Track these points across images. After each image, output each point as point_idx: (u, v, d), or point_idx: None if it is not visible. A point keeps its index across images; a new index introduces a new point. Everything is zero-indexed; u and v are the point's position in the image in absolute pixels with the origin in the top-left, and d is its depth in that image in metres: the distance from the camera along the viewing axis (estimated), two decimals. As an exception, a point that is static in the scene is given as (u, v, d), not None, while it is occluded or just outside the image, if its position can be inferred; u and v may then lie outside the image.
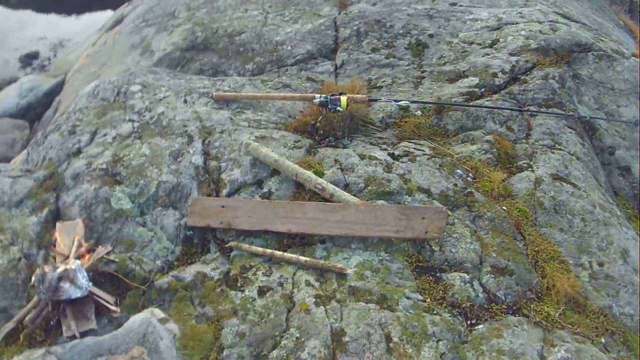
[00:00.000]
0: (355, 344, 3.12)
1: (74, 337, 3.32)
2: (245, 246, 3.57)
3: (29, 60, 12.82)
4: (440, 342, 3.15)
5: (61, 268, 3.31)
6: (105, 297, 3.42)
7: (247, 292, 3.38)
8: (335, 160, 4.06)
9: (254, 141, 4.10)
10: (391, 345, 3.13)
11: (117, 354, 3.19)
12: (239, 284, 3.44)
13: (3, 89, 10.29)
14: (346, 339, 3.14)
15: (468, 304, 3.36)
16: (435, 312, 3.29)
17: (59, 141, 4.73)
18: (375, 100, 4.66)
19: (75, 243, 3.64)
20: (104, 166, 4.17)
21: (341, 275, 3.46)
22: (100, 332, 3.35)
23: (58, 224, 3.91)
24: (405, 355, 3.09)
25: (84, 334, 3.33)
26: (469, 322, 3.31)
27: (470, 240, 3.63)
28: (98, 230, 3.84)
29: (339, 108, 4.33)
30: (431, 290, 3.43)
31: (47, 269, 3.35)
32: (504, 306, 3.38)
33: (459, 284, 3.43)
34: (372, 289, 3.38)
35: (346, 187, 3.86)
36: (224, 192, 3.93)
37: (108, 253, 3.62)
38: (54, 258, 3.73)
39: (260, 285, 3.41)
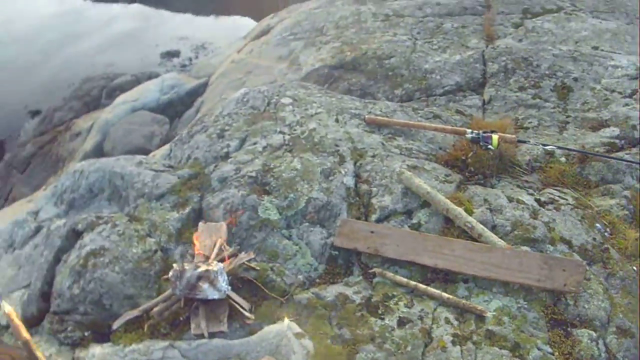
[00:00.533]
0: None
1: (201, 336, 3.35)
2: (390, 274, 3.53)
3: (169, 57, 13.40)
4: None
5: (202, 268, 3.35)
6: (241, 303, 3.43)
7: (387, 321, 3.33)
8: (485, 200, 3.97)
9: (406, 170, 4.05)
10: None
11: (245, 360, 3.22)
12: (379, 312, 3.39)
13: (142, 82, 10.59)
14: None
15: (590, 363, 3.23)
16: None
17: (207, 143, 4.82)
18: (524, 142, 4.55)
19: (217, 245, 3.67)
20: (253, 174, 4.21)
21: (480, 317, 3.37)
22: (229, 336, 3.36)
23: (201, 224, 3.95)
24: None
25: (212, 335, 3.36)
26: (588, 381, 3.17)
27: (602, 298, 3.51)
28: (241, 236, 3.87)
29: (490, 146, 4.26)
30: (561, 344, 3.31)
31: (187, 266, 3.41)
32: (619, 368, 3.24)
33: (586, 341, 3.32)
34: (507, 335, 3.29)
35: (493, 228, 3.77)
36: (373, 217, 3.89)
37: (249, 260, 3.63)
38: (192, 256, 3.77)
39: (400, 315, 3.35)
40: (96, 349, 3.54)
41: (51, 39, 15.78)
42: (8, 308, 2.92)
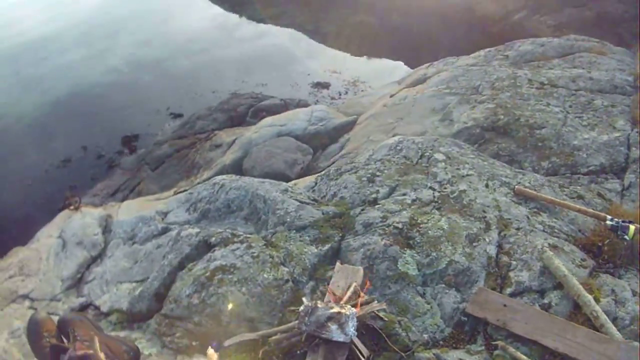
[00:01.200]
0: None
1: None
2: (512, 350, 3.60)
3: (319, 88, 13.67)
4: None
5: (335, 309, 3.47)
6: (362, 349, 3.50)
7: (502, 397, 3.42)
8: (612, 290, 4.00)
9: (548, 249, 4.13)
10: None
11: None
12: (500, 392, 3.48)
13: (290, 108, 11.03)
14: None
15: None
16: None
17: (356, 184, 4.98)
18: (662, 235, 4.55)
19: (351, 289, 3.77)
20: (399, 225, 4.31)
21: None
22: None
23: (338, 264, 4.07)
24: None
25: None
26: None
27: None
28: (376, 284, 3.97)
29: (626, 236, 4.30)
30: None
31: (320, 304, 3.53)
32: None
33: None
34: None
35: (614, 320, 3.80)
36: (508, 290, 3.94)
37: (380, 310, 3.71)
38: (322, 294, 3.90)
39: (516, 392, 3.43)
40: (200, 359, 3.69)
41: (203, 48, 16.41)
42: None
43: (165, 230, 5.05)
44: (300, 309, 3.47)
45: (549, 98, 6.93)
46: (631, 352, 3.56)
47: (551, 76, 7.47)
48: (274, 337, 3.58)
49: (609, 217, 4.50)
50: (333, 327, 3.41)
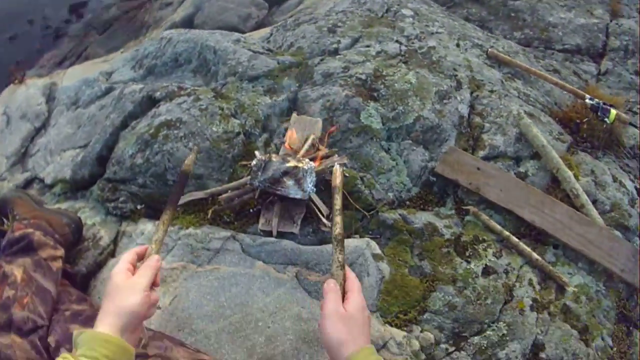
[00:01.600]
0: None
1: (269, 234, 3.13)
2: (485, 217, 3.27)
3: None
4: None
5: (292, 163, 3.08)
6: (321, 207, 3.16)
7: (472, 265, 3.09)
8: (592, 171, 3.72)
9: (526, 116, 3.77)
10: None
11: (312, 271, 2.99)
12: (467, 254, 3.15)
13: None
14: (543, 355, 2.89)
15: (640, 366, 3.09)
16: None
17: (315, 34, 4.52)
18: (635, 126, 4.34)
19: (309, 142, 3.40)
20: (363, 77, 3.88)
21: (561, 289, 3.18)
22: (299, 240, 3.15)
23: (294, 115, 3.69)
24: None
25: (280, 235, 3.13)
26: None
27: None
28: (336, 137, 3.59)
29: (606, 119, 4.04)
30: (620, 340, 3.18)
31: (275, 158, 3.12)
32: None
33: None
34: (580, 315, 3.11)
35: (594, 202, 3.53)
36: (481, 153, 3.59)
37: (344, 165, 3.34)
38: (277, 147, 3.57)
39: (487, 264, 3.12)
40: (147, 225, 3.34)
41: None
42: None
43: (109, 90, 4.57)
44: (252, 163, 3.05)
45: (527, -28, 6.51)
46: (614, 242, 3.30)
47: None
48: (224, 195, 3.21)
49: (588, 95, 4.22)
50: (289, 182, 3.02)
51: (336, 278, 2.19)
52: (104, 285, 2.99)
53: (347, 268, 2.27)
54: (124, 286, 2.01)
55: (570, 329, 3.03)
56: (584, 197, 3.44)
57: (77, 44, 9.62)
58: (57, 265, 2.77)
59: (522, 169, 3.58)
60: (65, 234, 3.08)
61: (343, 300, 2.08)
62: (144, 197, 3.50)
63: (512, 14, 5.87)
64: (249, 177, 3.10)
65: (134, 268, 2.16)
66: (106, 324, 1.88)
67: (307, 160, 3.12)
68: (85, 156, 3.95)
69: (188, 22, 7.92)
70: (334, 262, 2.27)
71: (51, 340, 2.41)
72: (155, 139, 3.54)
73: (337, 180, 2.59)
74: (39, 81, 5.72)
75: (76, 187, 3.97)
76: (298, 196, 3.02)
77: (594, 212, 3.42)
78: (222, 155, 3.49)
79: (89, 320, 2.48)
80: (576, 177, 3.55)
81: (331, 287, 2.12)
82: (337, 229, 2.37)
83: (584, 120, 4.09)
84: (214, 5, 7.84)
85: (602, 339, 3.11)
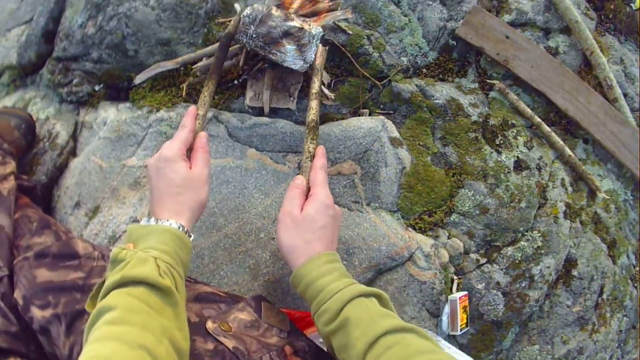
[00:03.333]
0: (579, 283, 2.54)
1: (259, 111, 2.51)
2: (513, 96, 2.67)
3: None
4: (625, 319, 2.74)
5: (297, 23, 2.30)
6: (323, 75, 2.49)
7: (503, 157, 2.52)
8: (621, 60, 3.16)
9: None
10: (599, 300, 2.64)
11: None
12: (497, 141, 2.56)
13: None
14: (574, 273, 2.53)
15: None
16: (636, 285, 2.82)
17: None
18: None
19: None
20: None
21: (592, 194, 2.74)
22: (298, 119, 2.53)
23: None
24: (603, 317, 2.65)
25: (274, 112, 2.50)
26: (650, 309, 2.83)
27: None
28: None
29: (632, 4, 3.49)
30: None
31: (276, 12, 2.32)
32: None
33: None
34: (610, 228, 2.73)
35: (625, 96, 2.99)
36: (506, 17, 2.90)
37: (342, 20, 2.62)
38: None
39: (519, 156, 2.55)
40: (109, 112, 2.75)
41: None
42: None
43: None
44: (244, 14, 2.25)
45: None
46: None
47: None
48: (200, 63, 2.54)
49: (622, -21, 3.66)
50: (289, 47, 2.26)
51: (304, 172, 1.93)
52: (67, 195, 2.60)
53: (317, 156, 1.94)
54: (192, 177, 1.77)
55: (600, 243, 2.67)
56: (618, 90, 2.91)
57: None
58: (8, 186, 2.32)
59: (552, 44, 2.95)
60: (14, 140, 2.69)
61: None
62: (101, 74, 2.87)
63: None
64: (237, 31, 2.31)
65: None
66: (184, 218, 1.67)
67: (314, 25, 2.36)
68: (30, 34, 3.32)
69: None
70: (304, 153, 1.97)
71: (17, 296, 1.93)
72: (107, 0, 2.85)
73: (318, 60, 2.20)
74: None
75: (25, 73, 3.39)
76: (296, 67, 2.30)
77: (627, 110, 2.93)
78: (192, 11, 2.75)
79: (57, 260, 1.99)
80: (607, 64, 2.98)
81: (295, 184, 1.86)
82: (312, 115, 2.07)
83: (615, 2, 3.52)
84: None
85: (627, 256, 2.80)
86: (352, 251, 2.23)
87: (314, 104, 2.07)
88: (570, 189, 2.66)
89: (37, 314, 1.83)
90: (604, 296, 2.62)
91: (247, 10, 2.27)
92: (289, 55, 2.27)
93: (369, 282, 2.21)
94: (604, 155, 2.89)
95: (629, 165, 2.84)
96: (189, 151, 1.85)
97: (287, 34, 2.26)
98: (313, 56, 2.28)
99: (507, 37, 2.75)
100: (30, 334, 1.89)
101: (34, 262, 1.97)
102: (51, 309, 1.81)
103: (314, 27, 2.30)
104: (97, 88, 2.90)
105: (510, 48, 2.74)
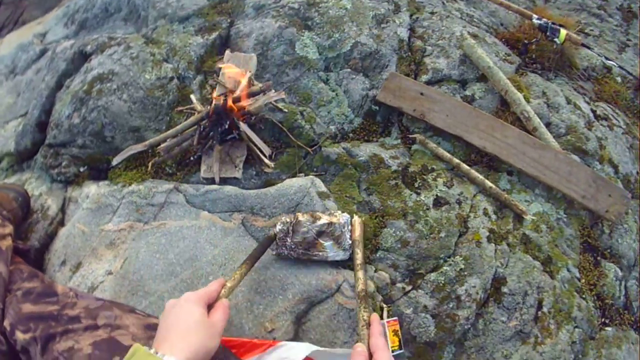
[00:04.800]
0: (511, 299, 2.75)
1: (212, 181, 2.97)
2: (432, 145, 3.06)
3: None
4: (577, 330, 2.82)
5: (325, 219, 2.68)
6: (262, 147, 2.95)
7: (422, 197, 2.89)
8: (543, 93, 3.51)
9: (469, 37, 3.54)
10: (539, 314, 2.77)
11: (258, 216, 2.80)
12: (416, 185, 2.95)
13: None
14: (505, 290, 2.75)
15: (610, 301, 3.04)
16: (584, 296, 2.94)
17: None
18: (589, 47, 4.07)
19: (245, 79, 3.18)
20: (295, 6, 3.63)
21: (519, 218, 3.00)
22: (243, 185, 3.00)
23: (228, 52, 3.47)
24: (547, 330, 2.75)
25: (223, 181, 2.98)
26: (602, 321, 2.99)
27: (635, 239, 3.27)
28: (272, 71, 3.38)
29: (556, 39, 3.80)
30: (588, 272, 3.06)
31: (302, 217, 2.67)
32: (632, 318, 3.09)
33: (611, 277, 3.09)
34: (542, 246, 2.95)
35: (547, 125, 3.34)
36: (424, 77, 3.36)
37: (278, 100, 3.15)
38: (212, 87, 3.37)
39: (438, 194, 2.92)
40: (91, 188, 3.20)
41: None
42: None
43: (43, 52, 4.41)
44: (277, 229, 2.62)
45: None
46: (572, 167, 3.12)
47: None
48: (162, 145, 3.02)
49: (535, 15, 3.96)
50: (327, 244, 2.61)
51: (362, 339, 2.09)
52: (55, 256, 2.97)
53: (373, 323, 2.16)
54: (206, 323, 1.91)
55: (532, 260, 2.88)
56: (536, 120, 3.24)
57: (14, 9, 9.21)
58: (7, 243, 2.69)
59: (468, 92, 3.36)
60: (13, 209, 3.05)
61: None
62: (85, 158, 3.36)
63: None
64: (275, 245, 2.65)
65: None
66: (182, 357, 1.72)
67: (339, 212, 2.74)
68: (26, 124, 3.81)
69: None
70: (359, 321, 2.17)
71: (6, 324, 2.35)
72: (89, 95, 3.37)
73: (357, 232, 2.46)
74: (-24, 53, 5.49)
75: (21, 159, 3.84)
76: (338, 258, 2.63)
77: (548, 136, 3.23)
78: (157, 103, 3.33)
79: (40, 297, 2.44)
80: (527, 99, 3.35)
81: (358, 351, 1.99)
82: (360, 285, 2.29)
83: (533, 40, 3.88)
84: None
85: (568, 270, 2.98)
86: (286, 287, 2.61)
87: (360, 274, 2.32)
88: (494, 216, 2.95)
89: (20, 336, 2.25)
90: (545, 309, 2.78)
91: (279, 226, 2.66)
92: (329, 251, 2.63)
93: (303, 313, 2.56)
94: (530, 182, 3.16)
95: (557, 185, 3.09)
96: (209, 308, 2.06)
97: (320, 233, 2.65)
98: (350, 240, 2.64)
99: (421, 93, 3.18)
100: (15, 353, 2.35)
101: (21, 298, 2.41)
102: (31, 333, 2.22)
103: (341, 216, 2.70)
104: (81, 169, 3.36)
105: (425, 103, 3.16)
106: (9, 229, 2.79)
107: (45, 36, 4.83)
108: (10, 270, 2.58)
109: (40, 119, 3.72)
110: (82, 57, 3.84)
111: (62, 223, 3.17)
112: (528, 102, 3.35)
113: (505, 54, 3.73)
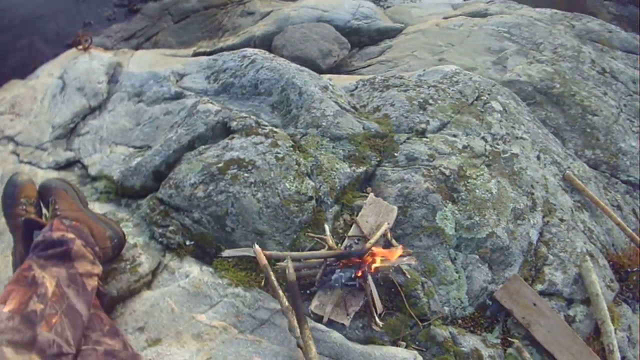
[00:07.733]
0: None
1: (319, 318, 3.08)
2: (527, 355, 3.29)
3: None
4: None
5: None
6: (378, 304, 3.16)
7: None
8: (629, 327, 3.71)
9: (589, 259, 3.78)
10: None
11: (354, 373, 2.92)
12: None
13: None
14: None
15: None
16: None
17: (405, 106, 4.43)
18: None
19: (382, 230, 3.35)
20: (447, 172, 3.78)
21: None
22: (347, 333, 3.09)
23: (372, 196, 3.62)
24: None
25: (330, 323, 3.07)
26: None
27: None
28: (406, 230, 3.53)
29: None
30: None
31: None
32: None
33: None
34: None
35: (623, 358, 3.54)
36: (539, 287, 3.57)
37: (408, 265, 3.32)
38: (345, 223, 3.50)
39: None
40: (193, 268, 3.19)
41: None
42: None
43: (178, 96, 4.51)
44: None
45: (607, 88, 6.44)
46: None
47: (613, 66, 6.95)
48: (283, 264, 3.12)
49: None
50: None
51: None
52: (132, 317, 2.94)
53: None
54: None
55: None
56: (617, 355, 3.45)
57: (149, 25, 9.58)
58: (93, 284, 2.59)
59: (571, 312, 3.57)
60: (105, 248, 2.93)
61: None
62: (195, 233, 3.37)
63: (588, 130, 5.73)
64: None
65: None
66: None
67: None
68: (141, 164, 3.82)
69: (267, 41, 7.84)
70: None
71: None
72: (223, 174, 3.44)
73: None
74: (104, 56, 5.68)
75: (122, 193, 3.84)
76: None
77: None
78: (289, 217, 3.40)
79: None
80: (615, 330, 3.57)
81: None
82: None
83: (634, 269, 4.07)
84: (297, 32, 7.75)
85: None
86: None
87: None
88: None
89: None
90: None
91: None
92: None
93: None
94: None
95: None
96: None
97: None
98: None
99: (534, 304, 3.45)
100: None
101: (102, 356, 2.33)
102: None
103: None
104: (188, 243, 3.33)
105: (534, 314, 3.42)
106: (97, 269, 2.68)
107: (182, 78, 4.96)
108: (90, 315, 2.49)
109: (159, 168, 3.75)
110: (225, 130, 3.92)
111: (149, 285, 3.09)
112: (615, 333, 3.56)
113: (610, 279, 3.92)
